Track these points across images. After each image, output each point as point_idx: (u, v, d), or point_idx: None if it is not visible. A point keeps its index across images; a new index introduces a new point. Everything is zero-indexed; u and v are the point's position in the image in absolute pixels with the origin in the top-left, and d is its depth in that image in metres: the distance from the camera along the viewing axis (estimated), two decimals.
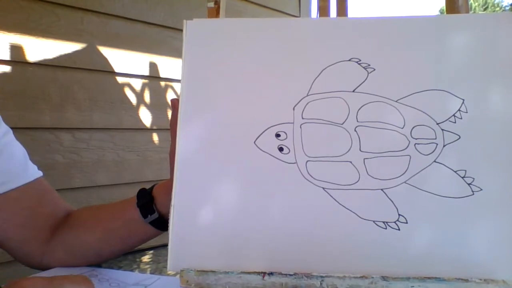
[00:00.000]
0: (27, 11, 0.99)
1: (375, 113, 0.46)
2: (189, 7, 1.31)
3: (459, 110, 0.45)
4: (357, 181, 0.45)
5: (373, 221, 0.44)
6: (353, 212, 0.44)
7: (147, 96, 1.24)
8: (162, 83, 1.28)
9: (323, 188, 0.45)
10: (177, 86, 1.31)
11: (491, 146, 0.44)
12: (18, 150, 0.63)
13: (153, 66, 1.25)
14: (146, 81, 1.23)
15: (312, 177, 0.45)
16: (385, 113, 0.46)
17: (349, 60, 0.48)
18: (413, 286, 0.41)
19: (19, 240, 0.61)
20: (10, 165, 0.60)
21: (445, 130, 0.45)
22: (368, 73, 0.47)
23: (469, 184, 0.44)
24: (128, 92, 1.19)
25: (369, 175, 0.45)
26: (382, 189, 0.44)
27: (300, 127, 0.47)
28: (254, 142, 0.46)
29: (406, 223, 0.43)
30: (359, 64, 0.47)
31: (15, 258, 0.63)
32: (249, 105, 0.48)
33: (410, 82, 0.47)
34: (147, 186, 0.62)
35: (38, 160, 0.64)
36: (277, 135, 0.46)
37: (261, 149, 0.46)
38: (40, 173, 0.64)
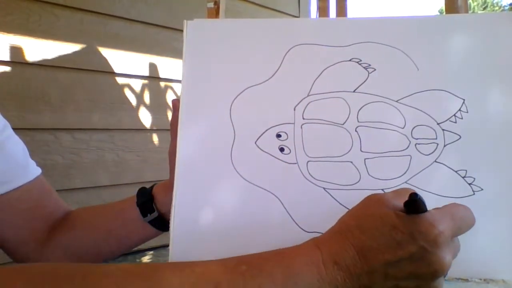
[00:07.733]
0: (27, 12, 0.99)
1: (376, 113, 0.46)
2: (189, 7, 1.30)
3: (459, 110, 0.45)
4: (358, 181, 0.45)
5: None
6: None
7: (147, 97, 1.24)
8: (162, 84, 1.28)
9: (324, 188, 0.45)
10: (177, 87, 1.31)
11: (491, 146, 0.44)
12: (18, 146, 0.60)
13: (153, 67, 1.24)
14: (146, 81, 1.23)
15: (313, 177, 0.45)
16: (386, 113, 0.46)
17: (350, 60, 0.48)
18: None
19: (17, 241, 0.59)
20: (11, 163, 0.57)
21: (446, 130, 0.45)
22: (368, 73, 0.47)
23: (469, 184, 0.44)
24: (128, 92, 1.19)
25: (370, 175, 0.45)
26: (383, 189, 0.44)
27: (301, 127, 0.46)
28: (255, 143, 0.46)
29: None
30: (359, 64, 0.47)
31: (13, 259, 0.61)
32: (249, 106, 0.48)
33: (410, 82, 0.47)
34: (147, 186, 0.61)
35: (37, 160, 0.63)
36: (278, 136, 0.46)
37: (262, 150, 0.46)
38: (39, 170, 0.62)
